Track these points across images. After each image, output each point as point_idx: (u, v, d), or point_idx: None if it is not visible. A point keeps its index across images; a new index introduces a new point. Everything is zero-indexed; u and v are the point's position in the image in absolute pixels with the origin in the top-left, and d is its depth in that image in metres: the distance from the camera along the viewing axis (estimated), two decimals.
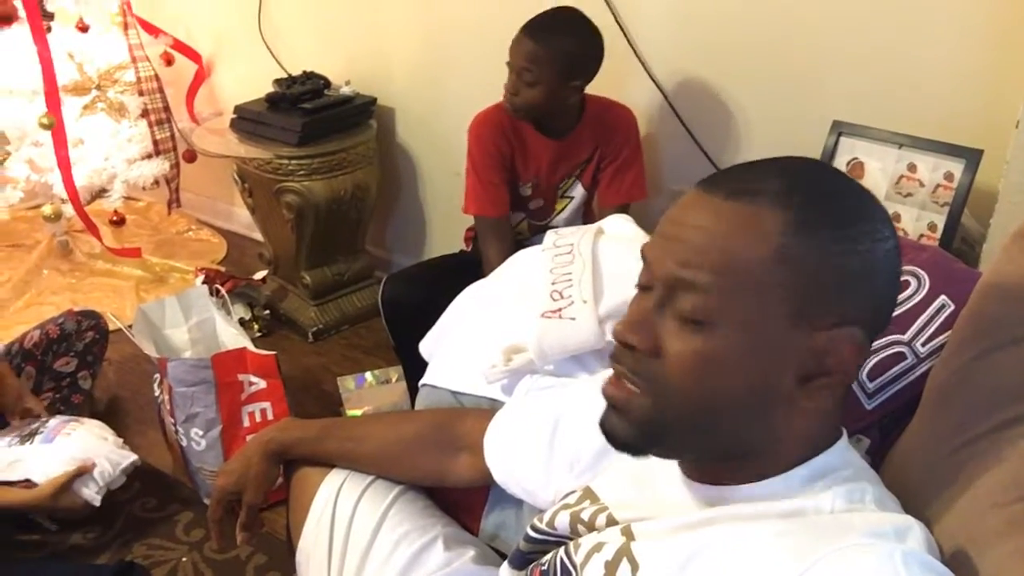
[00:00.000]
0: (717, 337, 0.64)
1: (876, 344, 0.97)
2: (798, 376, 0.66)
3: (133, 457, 1.84)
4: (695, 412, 0.67)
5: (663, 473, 0.78)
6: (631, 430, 0.69)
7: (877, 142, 1.66)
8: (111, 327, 2.15)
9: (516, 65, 1.78)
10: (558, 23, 1.77)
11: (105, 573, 1.60)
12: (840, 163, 1.72)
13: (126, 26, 2.80)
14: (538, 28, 1.76)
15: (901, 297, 0.98)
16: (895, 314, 0.96)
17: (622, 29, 2.04)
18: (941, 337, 0.93)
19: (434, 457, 1.11)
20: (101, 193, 2.84)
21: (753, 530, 0.67)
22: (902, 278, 1.00)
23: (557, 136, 1.92)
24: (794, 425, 0.69)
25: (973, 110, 1.63)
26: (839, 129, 1.71)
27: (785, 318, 0.64)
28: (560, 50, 1.73)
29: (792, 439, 0.70)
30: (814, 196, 0.66)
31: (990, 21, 1.58)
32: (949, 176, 1.54)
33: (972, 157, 1.50)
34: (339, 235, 2.60)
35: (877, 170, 1.66)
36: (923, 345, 0.95)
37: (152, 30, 2.97)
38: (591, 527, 0.81)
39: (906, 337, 0.96)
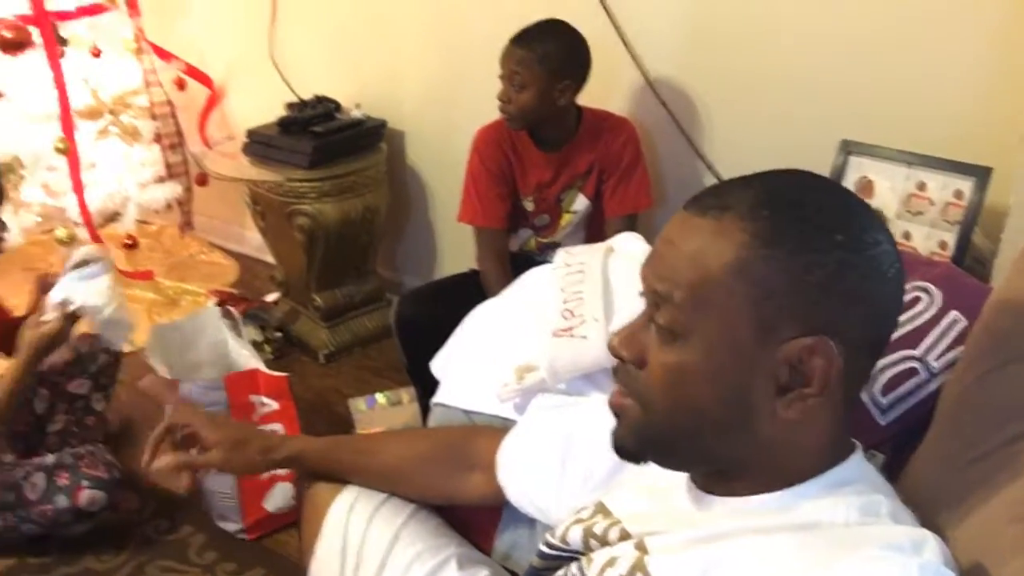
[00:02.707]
0: (688, 350, 0.67)
1: (888, 360, 0.97)
2: (775, 387, 0.67)
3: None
4: (676, 422, 0.70)
5: (676, 486, 0.78)
6: (627, 437, 0.74)
7: (886, 161, 1.66)
8: (124, 349, 2.16)
9: (506, 72, 1.87)
10: (543, 29, 1.87)
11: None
12: (849, 182, 1.72)
13: (139, 52, 2.84)
14: (523, 35, 1.86)
15: (913, 312, 0.98)
16: (907, 330, 0.97)
17: (627, 48, 2.06)
18: (954, 352, 0.93)
19: (446, 475, 1.11)
20: (114, 217, 2.87)
21: (768, 543, 0.67)
22: (913, 294, 1.01)
23: (554, 148, 1.97)
24: (782, 437, 0.69)
25: (982, 128, 1.64)
26: (848, 148, 1.72)
27: (750, 330, 0.65)
28: (544, 52, 1.83)
29: (788, 451, 0.70)
30: (782, 209, 0.66)
31: (998, 39, 1.59)
32: (959, 194, 1.54)
33: (981, 175, 1.51)
34: (350, 257, 2.61)
35: (887, 189, 1.67)
36: (936, 360, 0.95)
37: (165, 55, 3.00)
38: (604, 542, 0.81)
39: (919, 352, 0.95)
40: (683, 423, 0.70)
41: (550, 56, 1.82)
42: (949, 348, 0.94)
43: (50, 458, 1.75)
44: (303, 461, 1.15)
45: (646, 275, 0.71)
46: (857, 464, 0.73)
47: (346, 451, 1.15)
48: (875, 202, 1.68)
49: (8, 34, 2.46)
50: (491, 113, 1.94)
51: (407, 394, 2.15)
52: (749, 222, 0.65)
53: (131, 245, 3.23)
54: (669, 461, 0.75)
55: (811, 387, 0.66)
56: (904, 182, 1.65)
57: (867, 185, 1.70)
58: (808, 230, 0.65)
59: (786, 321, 0.65)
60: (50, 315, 1.72)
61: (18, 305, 1.89)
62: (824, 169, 1.75)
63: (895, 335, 0.96)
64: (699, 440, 0.71)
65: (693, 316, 0.67)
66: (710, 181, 2.06)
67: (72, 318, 1.75)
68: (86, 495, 1.72)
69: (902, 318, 0.98)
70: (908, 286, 1.01)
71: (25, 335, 1.72)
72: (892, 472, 0.89)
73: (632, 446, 0.74)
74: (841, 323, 0.65)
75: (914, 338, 0.95)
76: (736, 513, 0.72)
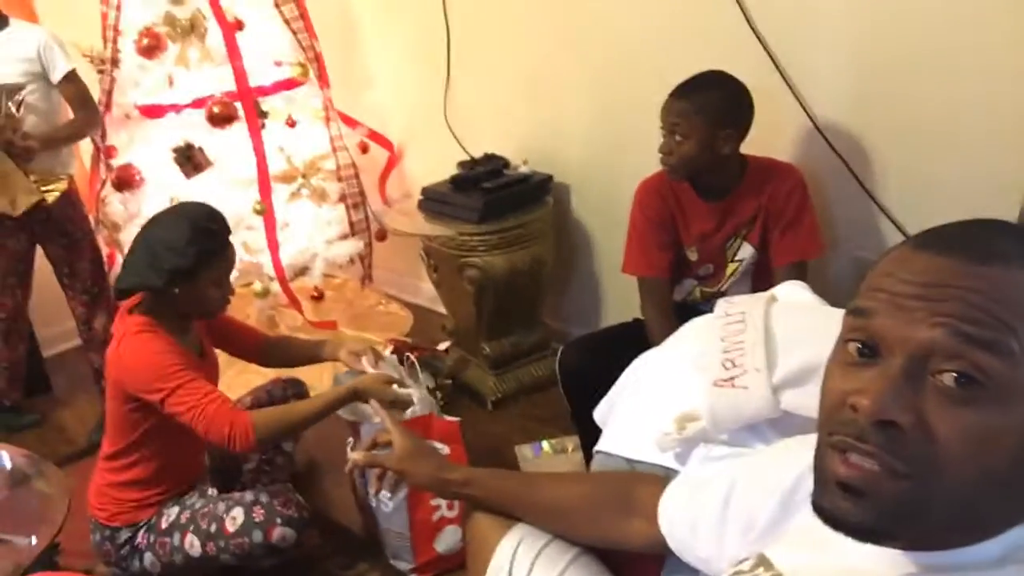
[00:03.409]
0: (991, 408, 0.60)
1: None
2: None
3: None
4: (964, 492, 0.62)
5: (843, 538, 0.75)
6: (877, 515, 0.63)
7: None
8: (311, 393, 2.31)
9: (667, 124, 1.88)
10: (701, 80, 1.87)
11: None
12: None
13: (328, 120, 3.08)
14: (683, 87, 1.88)
15: None
16: None
17: (794, 93, 2.04)
18: None
19: (609, 518, 1.12)
20: (303, 271, 3.08)
21: None
22: None
23: (717, 198, 1.96)
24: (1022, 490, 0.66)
25: None
26: None
27: None
28: (703, 102, 1.83)
29: (1020, 503, 0.66)
30: None
31: None
32: None
33: None
34: (517, 307, 2.69)
35: None
36: None
37: (350, 122, 3.25)
38: None
39: None
40: (966, 494, 0.62)
41: (709, 106, 1.82)
42: None
43: (249, 495, 1.90)
44: (475, 486, 1.20)
45: (910, 325, 0.63)
46: None
47: (515, 483, 1.20)
48: None
49: (217, 110, 2.75)
50: (654, 165, 1.97)
51: (571, 442, 2.18)
52: None
53: (317, 297, 3.47)
54: (915, 535, 0.66)
55: None
56: None
57: None
58: None
59: None
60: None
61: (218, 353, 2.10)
62: (1010, 214, 1.66)
63: None
64: (966, 510, 0.63)
65: (1020, 369, 0.60)
66: (885, 226, 1.99)
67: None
68: (278, 532, 1.84)
69: None
70: None
71: (361, 382, 1.89)
72: None
73: (883, 524, 0.64)
74: None
75: None
76: (910, 567, 0.69)
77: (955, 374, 0.61)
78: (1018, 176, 1.65)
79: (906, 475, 0.62)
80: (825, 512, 0.67)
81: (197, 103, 2.80)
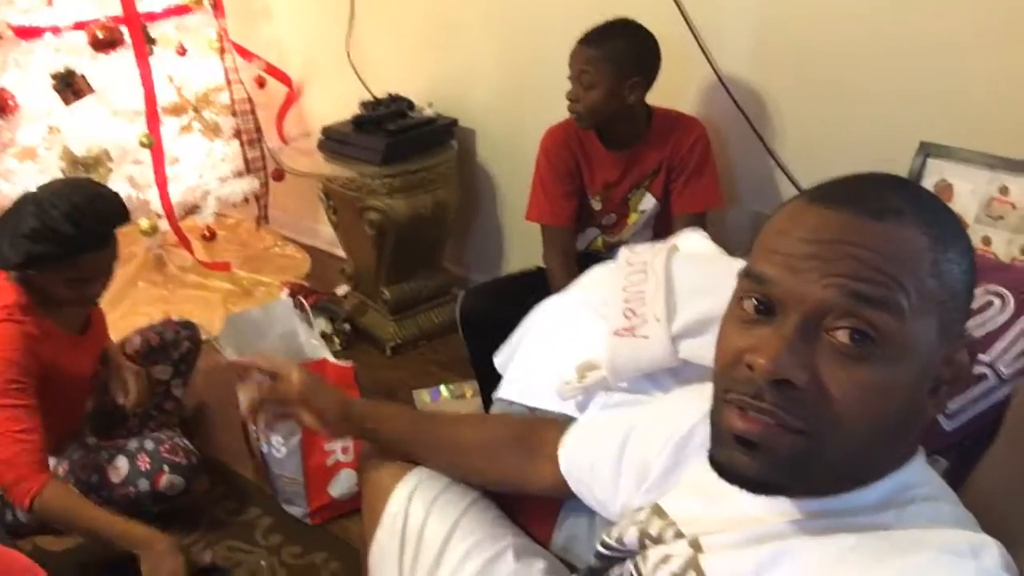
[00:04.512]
0: (883, 363, 0.62)
1: None
2: (931, 387, 0.66)
3: None
4: (855, 445, 0.64)
5: (733, 488, 0.77)
6: (775, 470, 0.65)
7: (967, 163, 1.62)
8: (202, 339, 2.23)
9: (575, 71, 1.87)
10: (610, 28, 1.86)
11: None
12: (927, 184, 1.68)
13: (222, 51, 2.93)
14: (592, 34, 1.87)
15: (984, 317, 0.96)
16: (977, 334, 0.94)
17: (700, 45, 2.04)
18: None
19: (511, 459, 1.11)
20: (194, 209, 2.96)
21: (826, 544, 0.66)
22: (986, 298, 0.98)
23: (622, 147, 1.97)
24: (911, 437, 0.69)
25: None
26: (926, 150, 1.68)
27: (935, 332, 0.64)
28: (613, 49, 1.82)
29: (902, 450, 0.69)
30: (937, 213, 0.66)
31: None
32: None
33: None
34: (419, 252, 2.65)
35: (967, 192, 1.63)
36: (1006, 367, 0.92)
37: (246, 55, 3.09)
38: (659, 541, 0.81)
39: (988, 358, 0.93)
40: (859, 446, 0.64)
41: (618, 54, 1.81)
42: (1021, 355, 0.91)
43: (133, 443, 1.82)
44: (375, 419, 1.16)
45: (805, 283, 0.63)
46: (920, 468, 0.72)
47: (417, 420, 1.19)
48: (954, 206, 1.63)
49: (101, 34, 2.56)
50: (561, 112, 1.95)
51: (470, 388, 2.18)
52: (923, 226, 0.63)
53: (209, 237, 3.33)
54: (806, 485, 0.68)
55: (960, 381, 0.67)
56: (986, 185, 1.60)
57: (946, 188, 1.65)
58: (959, 234, 0.66)
59: (955, 320, 0.65)
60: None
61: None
62: (901, 170, 1.71)
63: None
64: (858, 460, 0.66)
65: (909, 324, 0.61)
66: (783, 182, 2.03)
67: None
68: (166, 480, 1.78)
69: (973, 322, 0.95)
70: (981, 290, 0.99)
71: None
72: (957, 479, 0.87)
73: (780, 478, 0.65)
74: (968, 318, 0.69)
75: (984, 343, 0.93)
76: (798, 513, 0.71)
77: (849, 331, 0.62)
78: (911, 132, 1.70)
79: (802, 431, 0.63)
80: (721, 465, 0.68)
81: (78, 25, 2.60)
